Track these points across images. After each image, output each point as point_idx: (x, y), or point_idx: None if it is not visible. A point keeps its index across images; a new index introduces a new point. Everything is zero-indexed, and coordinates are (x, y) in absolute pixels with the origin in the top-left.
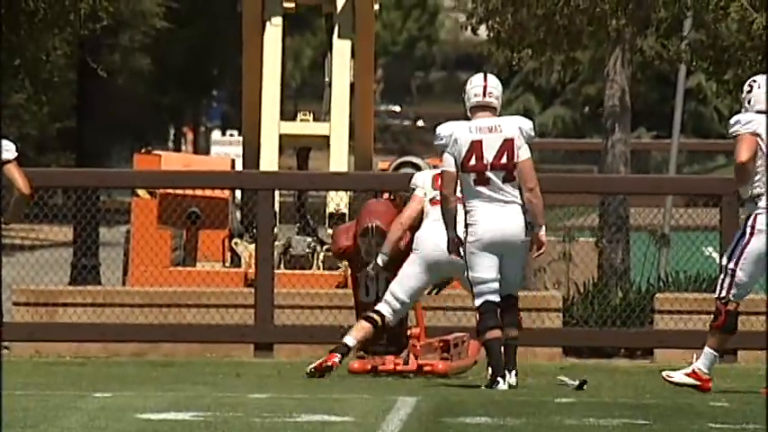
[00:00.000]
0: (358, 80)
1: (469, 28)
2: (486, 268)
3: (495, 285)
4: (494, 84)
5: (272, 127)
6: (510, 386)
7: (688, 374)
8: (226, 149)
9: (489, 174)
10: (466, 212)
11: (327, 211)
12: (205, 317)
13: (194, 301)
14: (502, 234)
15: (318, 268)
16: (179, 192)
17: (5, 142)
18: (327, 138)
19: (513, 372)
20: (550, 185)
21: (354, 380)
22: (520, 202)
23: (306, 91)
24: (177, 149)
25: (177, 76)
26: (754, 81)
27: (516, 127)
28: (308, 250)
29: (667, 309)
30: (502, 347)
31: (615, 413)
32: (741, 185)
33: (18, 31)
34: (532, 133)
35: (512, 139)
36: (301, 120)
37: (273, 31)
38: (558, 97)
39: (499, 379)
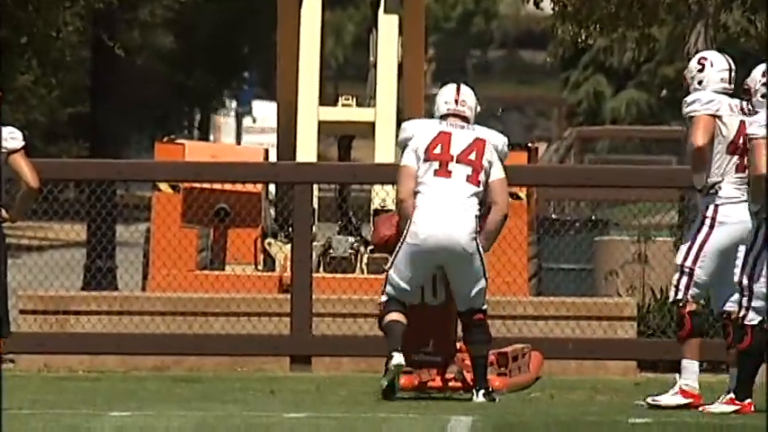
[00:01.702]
0: (406, 60)
1: (532, 1)
2: (406, 279)
3: (408, 297)
4: (467, 94)
5: (310, 113)
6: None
7: (676, 394)
8: (258, 138)
9: (453, 166)
10: (413, 209)
11: (372, 208)
12: (235, 326)
13: (223, 308)
14: (448, 239)
15: (362, 271)
16: (205, 186)
17: (10, 129)
18: (372, 125)
19: (482, 391)
20: (623, 179)
21: (401, 397)
22: (476, 213)
23: (348, 72)
24: (204, 138)
25: (204, 55)
26: (705, 59)
27: (491, 137)
28: (350, 251)
29: None
30: (400, 331)
31: None
32: (696, 173)
33: (25, 6)
34: (506, 150)
35: (484, 141)
36: (343, 105)
37: (312, 5)
38: (632, 79)
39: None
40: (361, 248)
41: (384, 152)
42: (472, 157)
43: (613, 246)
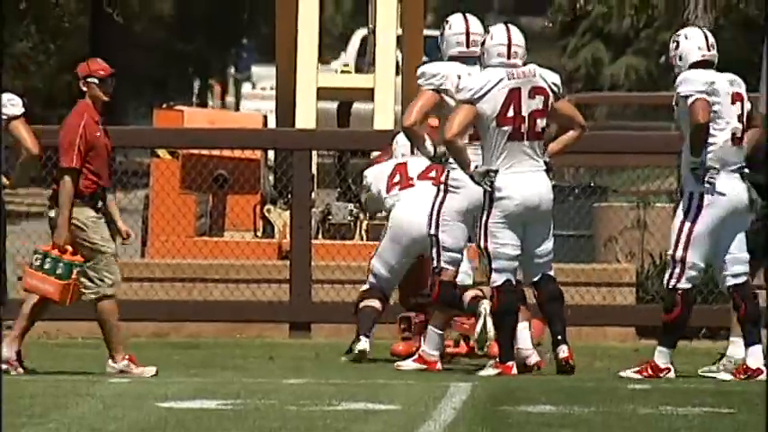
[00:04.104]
0: (406, 27)
1: None
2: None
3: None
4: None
5: (309, 79)
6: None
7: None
8: (257, 105)
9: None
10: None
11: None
12: (234, 293)
13: (222, 275)
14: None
15: (361, 238)
16: (204, 152)
17: (10, 96)
18: (371, 91)
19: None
20: (622, 145)
21: (399, 362)
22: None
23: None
24: (203, 105)
25: (202, 22)
26: (678, 35)
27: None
28: (349, 218)
29: (756, 283)
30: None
31: (695, 401)
32: (697, 153)
33: None
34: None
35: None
36: (342, 71)
37: None
38: (631, 45)
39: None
40: (361, 215)
41: (383, 119)
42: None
43: (612, 212)
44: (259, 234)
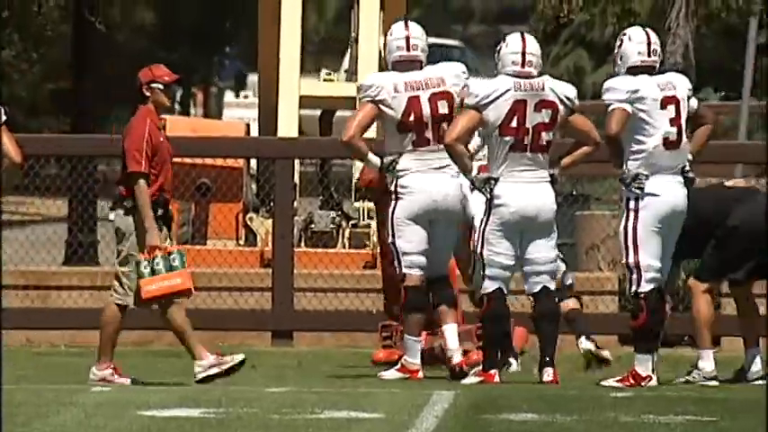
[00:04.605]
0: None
1: None
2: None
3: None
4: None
5: (291, 87)
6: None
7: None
8: (240, 113)
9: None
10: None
11: (354, 182)
12: (216, 301)
13: (204, 283)
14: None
15: (344, 246)
16: (187, 161)
17: None
18: (354, 99)
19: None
20: (604, 153)
21: (382, 372)
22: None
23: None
24: (185, 113)
25: (185, 30)
26: (624, 34)
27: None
28: (331, 226)
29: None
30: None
31: (678, 409)
32: (616, 163)
33: None
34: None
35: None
36: (325, 79)
37: None
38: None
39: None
40: (343, 223)
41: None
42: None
43: (594, 220)
44: (241, 242)
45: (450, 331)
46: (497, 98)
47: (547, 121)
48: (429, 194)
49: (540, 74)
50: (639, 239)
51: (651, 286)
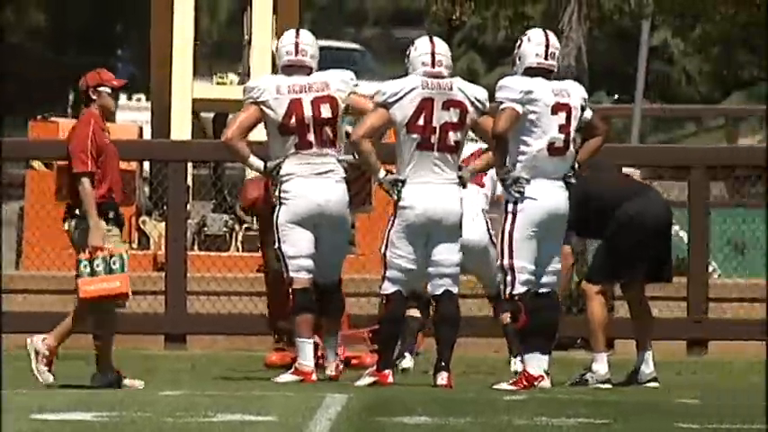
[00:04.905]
0: None
1: None
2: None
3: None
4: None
5: (184, 90)
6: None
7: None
8: (132, 116)
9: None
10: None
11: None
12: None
13: None
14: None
15: (237, 250)
16: None
17: None
18: None
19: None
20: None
21: (275, 375)
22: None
23: (223, 50)
24: (77, 116)
25: (77, 33)
26: (525, 35)
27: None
28: (225, 229)
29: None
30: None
31: (570, 412)
32: (498, 163)
33: None
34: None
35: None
36: (218, 82)
37: None
38: (507, 56)
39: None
40: (236, 226)
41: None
42: None
43: None
44: (134, 245)
45: (331, 343)
46: (404, 96)
47: (455, 120)
48: (312, 200)
49: (452, 75)
50: (515, 242)
51: (525, 288)
